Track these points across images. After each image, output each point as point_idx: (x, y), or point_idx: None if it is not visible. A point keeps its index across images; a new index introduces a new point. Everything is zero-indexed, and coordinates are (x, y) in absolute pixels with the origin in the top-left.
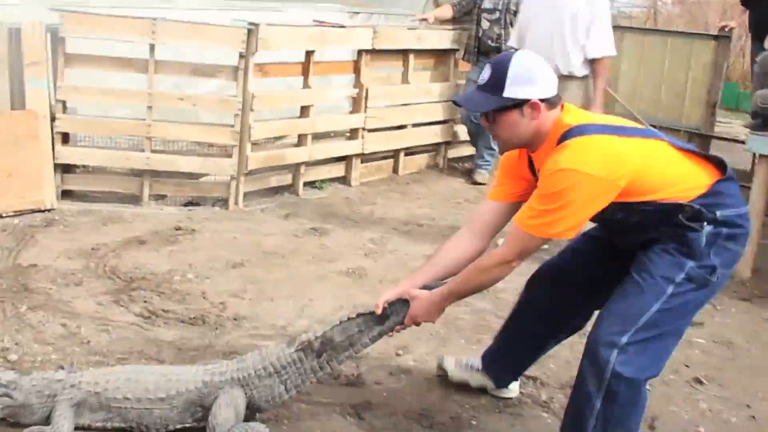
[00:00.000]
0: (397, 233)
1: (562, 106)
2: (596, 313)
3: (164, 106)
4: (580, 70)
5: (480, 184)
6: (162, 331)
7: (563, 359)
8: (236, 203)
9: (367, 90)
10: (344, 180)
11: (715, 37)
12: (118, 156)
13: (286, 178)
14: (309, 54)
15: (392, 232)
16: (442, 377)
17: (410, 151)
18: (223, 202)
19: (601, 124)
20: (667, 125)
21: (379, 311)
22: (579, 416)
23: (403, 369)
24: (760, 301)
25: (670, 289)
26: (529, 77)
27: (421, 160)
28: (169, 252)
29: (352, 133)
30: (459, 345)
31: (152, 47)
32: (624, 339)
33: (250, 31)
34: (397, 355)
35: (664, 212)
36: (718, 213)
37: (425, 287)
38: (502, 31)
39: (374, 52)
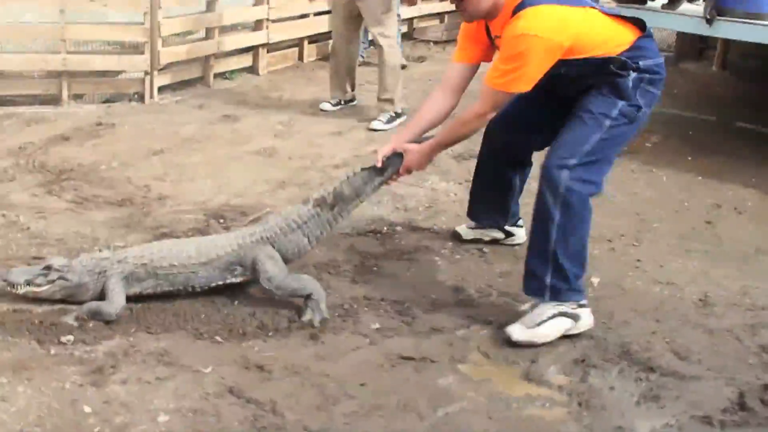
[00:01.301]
0: (303, 115)
1: None
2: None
3: (76, 8)
4: None
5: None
6: (94, 214)
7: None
8: (152, 97)
9: None
10: (252, 69)
11: None
12: (36, 59)
13: (198, 71)
14: None
15: (299, 114)
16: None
17: (314, 39)
18: (140, 97)
19: None
20: None
21: (379, 164)
22: (543, 228)
23: None
24: (628, 156)
25: (607, 123)
26: None
27: (325, 47)
28: (93, 145)
29: (257, 25)
30: (361, 206)
31: None
32: (573, 161)
33: None
34: None
35: (598, 65)
36: (641, 63)
37: (415, 142)
38: None
39: None
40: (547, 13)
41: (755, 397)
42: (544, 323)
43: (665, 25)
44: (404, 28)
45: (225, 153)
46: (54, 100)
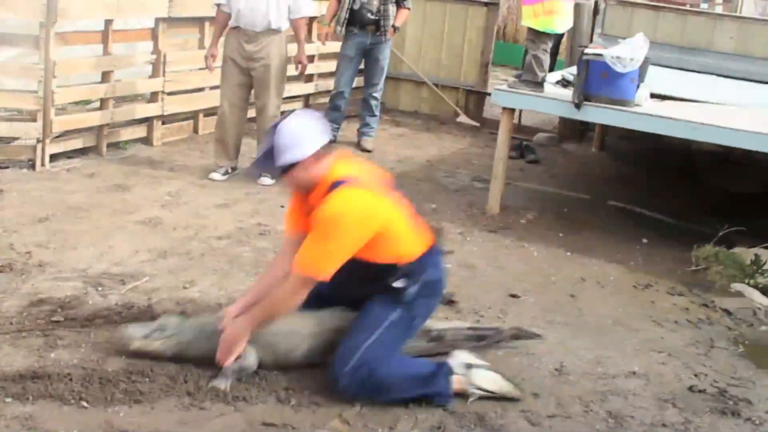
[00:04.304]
0: (192, 186)
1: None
2: None
3: None
4: (285, 25)
5: (368, 151)
6: None
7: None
8: (43, 165)
9: (164, 55)
10: (147, 140)
11: (486, 4)
12: None
13: (92, 140)
14: (108, 23)
15: (189, 185)
16: None
17: (209, 112)
18: (31, 164)
19: (360, 179)
20: (447, 83)
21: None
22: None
23: (189, 299)
24: (503, 232)
25: (384, 325)
26: (295, 142)
27: None
28: None
29: (152, 96)
30: (239, 278)
31: None
32: (346, 368)
33: (49, 1)
34: (184, 288)
35: (383, 270)
36: (422, 277)
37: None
38: (382, 6)
39: (171, 20)
40: (357, 198)
41: None
42: None
43: (542, 109)
44: (301, 105)
45: (110, 222)
46: None
